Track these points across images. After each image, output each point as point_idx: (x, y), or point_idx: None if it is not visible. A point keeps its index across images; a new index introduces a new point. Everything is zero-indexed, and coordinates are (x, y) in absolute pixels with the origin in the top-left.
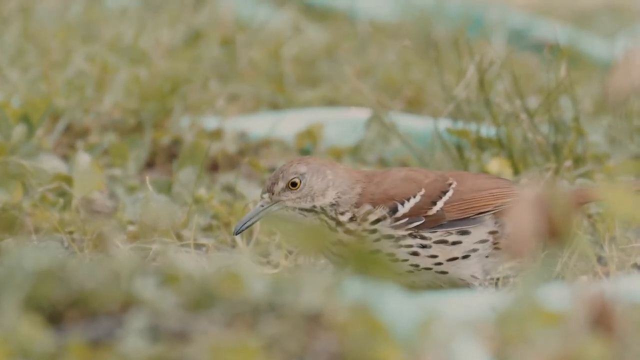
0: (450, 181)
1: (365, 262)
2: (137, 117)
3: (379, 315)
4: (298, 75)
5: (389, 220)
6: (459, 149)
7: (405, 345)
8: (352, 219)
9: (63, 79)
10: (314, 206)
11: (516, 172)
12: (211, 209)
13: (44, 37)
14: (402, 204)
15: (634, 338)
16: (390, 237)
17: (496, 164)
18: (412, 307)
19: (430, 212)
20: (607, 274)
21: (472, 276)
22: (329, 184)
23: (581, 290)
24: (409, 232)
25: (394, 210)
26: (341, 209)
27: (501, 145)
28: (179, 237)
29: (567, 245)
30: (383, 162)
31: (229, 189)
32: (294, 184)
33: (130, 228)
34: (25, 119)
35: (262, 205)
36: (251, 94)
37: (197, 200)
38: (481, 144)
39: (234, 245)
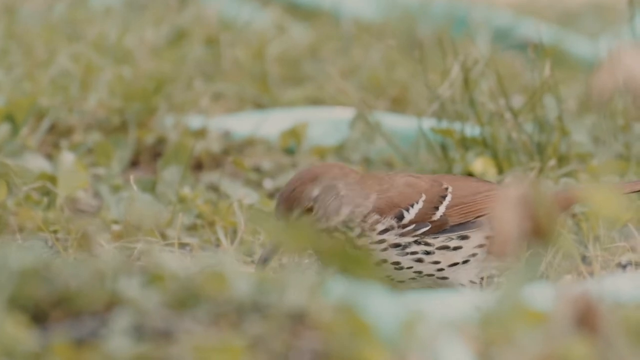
0: (445, 185)
1: (349, 261)
2: (121, 116)
3: (363, 315)
4: (282, 75)
5: (396, 229)
6: (444, 148)
7: (389, 345)
8: (361, 235)
9: (47, 78)
10: (328, 226)
11: (500, 171)
12: (195, 208)
13: (28, 36)
14: (407, 210)
15: (618, 338)
16: (397, 245)
17: (480, 164)
18: (397, 307)
19: (434, 218)
20: (591, 274)
21: (471, 282)
22: (342, 202)
23: (565, 290)
24: (415, 238)
25: (400, 217)
26: (351, 224)
27: (485, 145)
28: (163, 236)
29: (551, 244)
30: (367, 162)
31: (213, 188)
32: (309, 210)
33: (115, 227)
34: (9, 118)
35: None
36: (235, 93)
37: (182, 200)
38: (465, 143)
39: (218, 244)
